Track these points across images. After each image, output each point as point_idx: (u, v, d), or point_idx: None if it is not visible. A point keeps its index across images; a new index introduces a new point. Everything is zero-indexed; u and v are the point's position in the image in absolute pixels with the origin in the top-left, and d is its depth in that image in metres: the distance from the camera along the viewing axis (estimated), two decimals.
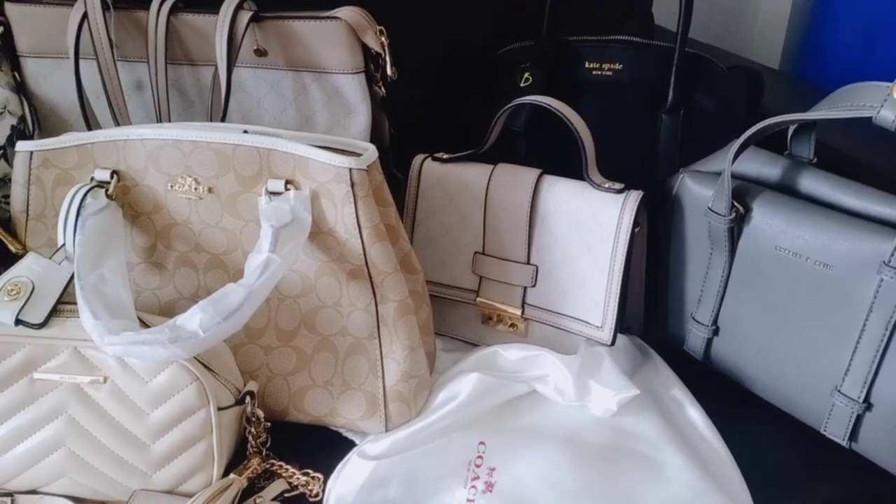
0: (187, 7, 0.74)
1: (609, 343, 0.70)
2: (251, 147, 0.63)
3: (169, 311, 0.68)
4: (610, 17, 1.08)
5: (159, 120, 0.76)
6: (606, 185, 0.69)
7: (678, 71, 0.80)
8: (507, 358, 0.70)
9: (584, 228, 0.70)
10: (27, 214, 0.67)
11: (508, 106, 0.74)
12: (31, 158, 0.66)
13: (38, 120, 0.78)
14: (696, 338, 0.71)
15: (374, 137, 0.80)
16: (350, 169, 0.62)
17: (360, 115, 0.78)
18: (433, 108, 0.93)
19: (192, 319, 0.56)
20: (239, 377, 0.63)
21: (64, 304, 0.60)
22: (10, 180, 0.77)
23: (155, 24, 0.73)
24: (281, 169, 0.63)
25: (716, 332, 0.70)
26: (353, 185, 0.62)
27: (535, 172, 0.72)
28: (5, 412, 0.59)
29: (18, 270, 0.60)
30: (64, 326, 0.59)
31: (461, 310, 0.78)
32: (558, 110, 0.70)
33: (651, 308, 0.76)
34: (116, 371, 0.58)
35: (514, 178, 0.72)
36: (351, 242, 0.64)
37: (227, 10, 0.71)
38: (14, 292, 0.59)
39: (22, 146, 0.66)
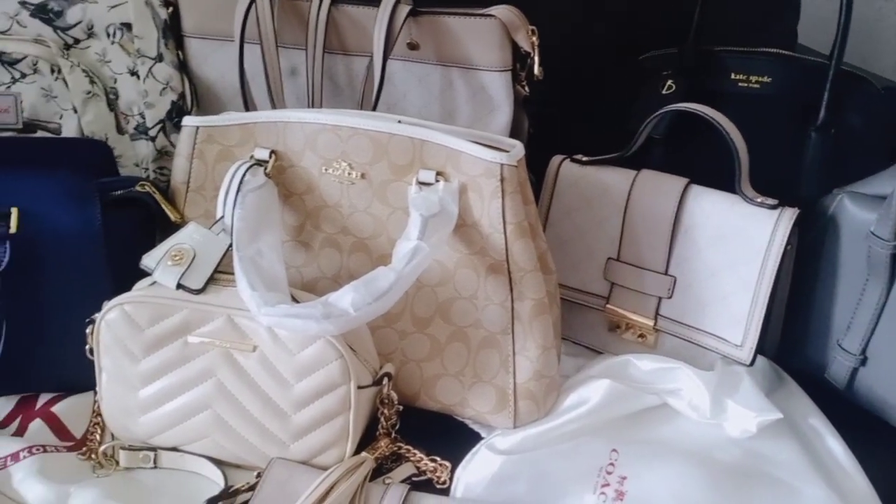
0: None
1: (748, 363, 0.68)
2: (406, 137, 0.65)
3: (311, 288, 0.70)
4: (750, 26, 1.05)
5: (311, 105, 0.78)
6: (759, 200, 0.67)
7: (832, 87, 0.77)
8: (639, 368, 0.69)
9: (731, 242, 0.68)
10: (188, 186, 0.71)
11: (661, 111, 0.73)
12: (196, 133, 0.70)
13: (196, 98, 0.83)
14: (840, 366, 0.68)
15: (513, 136, 0.80)
16: (501, 164, 0.62)
17: (503, 112, 0.79)
18: (567, 109, 0.92)
19: (344, 298, 0.58)
20: (376, 359, 0.65)
21: (220, 273, 0.63)
22: (167, 153, 0.83)
23: (317, 14, 0.76)
24: (433, 160, 0.65)
25: (863, 361, 0.67)
26: (502, 180, 0.62)
27: (681, 181, 0.71)
28: (159, 370, 0.62)
29: (181, 238, 0.64)
30: (220, 294, 0.62)
31: (587, 315, 0.78)
32: (715, 120, 0.68)
33: (789, 330, 0.74)
34: (266, 341, 0.61)
35: (660, 186, 0.71)
36: (494, 237, 0.64)
37: (387, 3, 0.73)
38: (177, 258, 0.62)
39: (189, 121, 0.70)
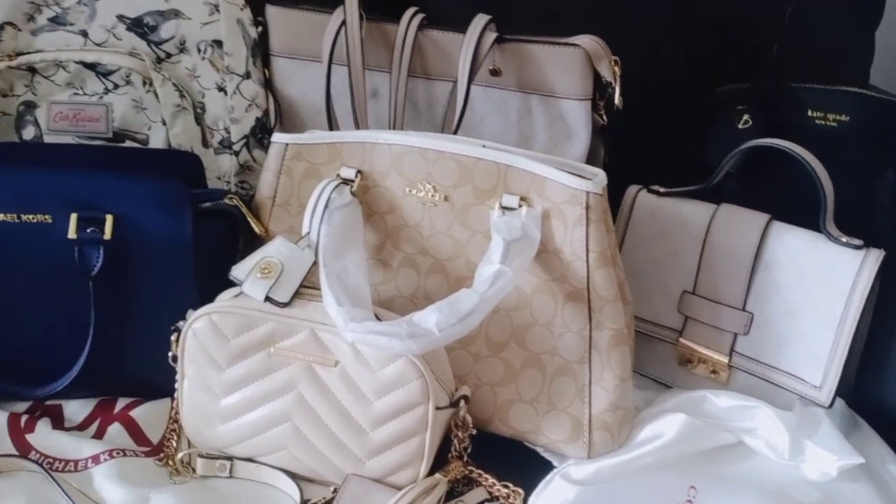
0: (433, 24, 0.79)
1: (827, 405, 0.67)
2: (492, 162, 0.65)
3: (387, 306, 0.71)
4: (822, 61, 1.05)
5: (392, 127, 0.80)
6: (844, 240, 0.66)
7: None
8: (716, 404, 0.68)
9: (813, 281, 0.67)
10: (273, 201, 0.73)
11: (746, 146, 0.73)
12: (285, 150, 0.72)
13: (280, 115, 0.85)
14: None
15: (589, 164, 0.81)
16: (587, 192, 0.63)
17: (580, 140, 0.79)
18: (640, 139, 0.93)
19: (429, 318, 0.58)
20: (452, 380, 0.65)
21: (304, 287, 0.65)
22: (249, 167, 0.85)
23: (403, 37, 0.77)
24: (517, 185, 0.65)
25: None
26: (587, 208, 0.63)
27: (763, 217, 0.70)
28: (242, 380, 0.64)
29: (269, 251, 0.65)
30: (305, 308, 0.63)
31: (658, 348, 0.77)
32: (802, 157, 0.68)
33: (864, 373, 0.72)
34: (348, 357, 0.62)
35: (741, 221, 0.71)
36: (575, 265, 0.64)
37: (474, 30, 0.74)
38: (266, 271, 0.63)
39: (278, 138, 0.72)
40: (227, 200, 0.71)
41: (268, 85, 0.84)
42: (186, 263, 0.68)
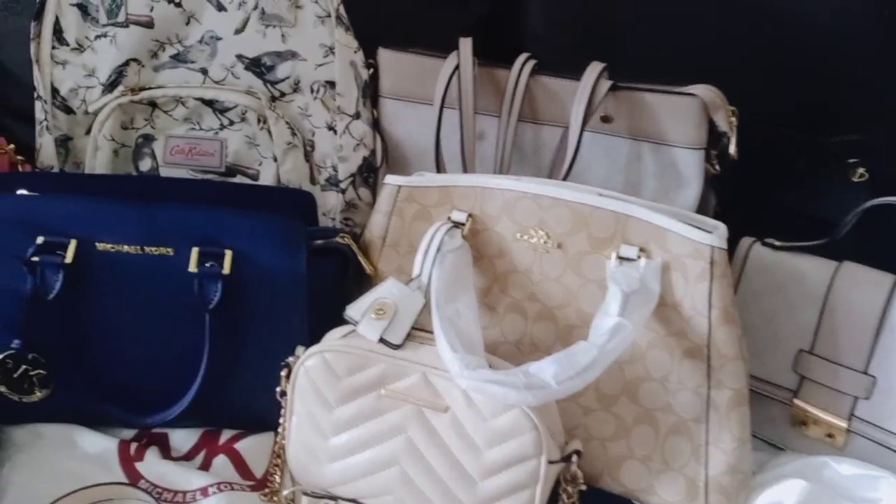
0: (544, 70, 0.79)
1: None
2: (610, 211, 0.65)
3: (491, 351, 0.69)
4: None
5: (498, 171, 0.80)
6: None
7: None
8: (838, 471, 0.65)
9: None
10: (384, 241, 0.73)
11: (874, 202, 0.70)
12: (398, 192, 0.72)
13: (386, 156, 0.86)
14: None
15: (699, 214, 0.79)
16: (712, 247, 0.61)
17: (691, 189, 0.78)
18: (748, 189, 0.90)
19: (546, 370, 0.57)
20: (562, 433, 0.63)
21: (415, 329, 0.65)
22: (354, 205, 0.86)
23: (515, 83, 0.78)
24: (635, 236, 0.64)
25: None
26: (712, 263, 0.61)
27: (890, 278, 0.67)
28: (352, 421, 0.63)
29: (382, 292, 0.65)
30: (417, 351, 0.63)
31: (769, 407, 0.74)
32: None
33: None
34: (460, 403, 0.61)
35: (866, 280, 0.68)
36: (696, 320, 0.62)
37: (589, 77, 0.74)
38: (381, 312, 0.63)
39: (391, 180, 0.73)
40: (339, 239, 0.72)
41: (376, 125, 0.86)
42: (299, 300, 0.68)
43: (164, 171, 0.83)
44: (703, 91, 0.74)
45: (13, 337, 0.66)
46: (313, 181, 0.85)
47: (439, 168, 0.80)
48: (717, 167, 0.78)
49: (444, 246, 0.67)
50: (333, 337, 0.66)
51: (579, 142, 0.74)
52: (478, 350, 0.62)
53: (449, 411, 0.61)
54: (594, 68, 0.75)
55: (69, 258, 0.65)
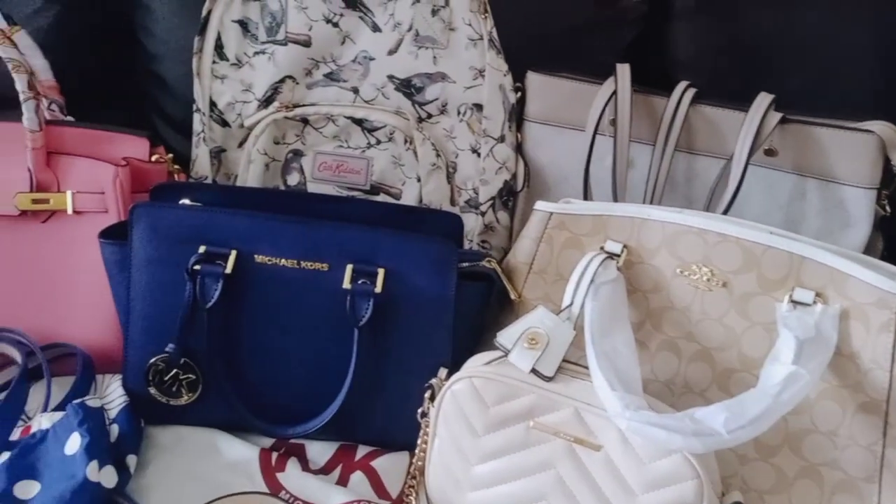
0: (704, 99, 0.76)
1: None
2: (784, 251, 0.61)
3: None
4: None
5: (648, 201, 0.78)
6: None
7: None
8: None
9: None
10: (530, 267, 0.72)
11: None
12: (549, 219, 0.71)
13: (528, 180, 0.85)
14: None
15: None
16: None
17: (859, 231, 0.73)
18: None
19: (716, 417, 0.54)
20: (719, 482, 0.60)
21: (566, 362, 0.63)
22: (491, 228, 0.85)
23: (673, 111, 0.75)
24: (812, 279, 0.60)
25: None
26: None
27: None
28: (498, 451, 0.62)
29: (533, 321, 0.64)
30: (568, 385, 0.61)
31: None
32: None
33: None
34: (615, 443, 0.58)
35: None
36: (875, 374, 0.58)
37: (758, 108, 0.71)
38: (533, 342, 0.62)
39: (543, 206, 0.72)
40: (485, 263, 0.71)
41: (519, 149, 0.85)
42: (446, 322, 0.68)
43: (311, 187, 0.85)
44: (881, 128, 0.70)
45: (168, 341, 0.69)
46: (453, 202, 0.85)
47: (587, 195, 0.78)
48: (888, 209, 0.73)
49: (597, 277, 0.65)
50: (477, 363, 0.65)
51: (743, 176, 0.71)
52: (636, 389, 0.59)
53: (602, 450, 0.59)
54: (763, 100, 0.71)
55: (229, 269, 0.67)
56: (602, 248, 0.68)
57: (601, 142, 0.78)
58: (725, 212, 0.72)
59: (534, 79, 0.83)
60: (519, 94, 0.84)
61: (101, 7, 0.96)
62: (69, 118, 0.83)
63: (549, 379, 0.61)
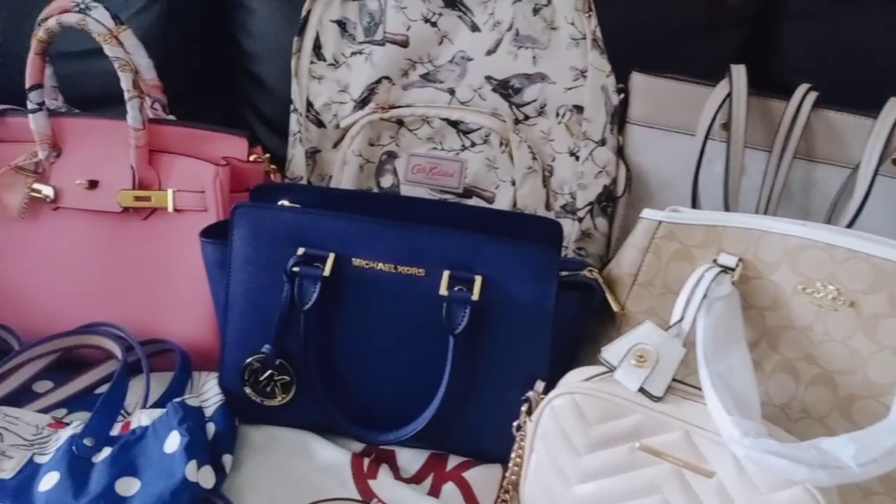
0: (827, 103, 0.71)
1: None
2: None
3: None
4: None
5: (762, 211, 0.73)
6: None
7: None
8: None
9: None
10: (635, 278, 0.69)
11: None
12: (657, 228, 0.68)
13: (629, 185, 0.82)
14: None
15: None
16: None
17: None
18: None
19: (844, 449, 0.50)
20: None
21: (675, 381, 0.59)
22: (589, 234, 0.82)
23: (793, 116, 0.71)
24: None
25: None
26: None
27: None
28: (601, 471, 0.59)
29: (640, 337, 0.60)
30: (679, 406, 0.58)
31: None
32: None
33: None
34: (729, 471, 0.55)
35: None
36: None
37: (888, 115, 0.66)
38: (641, 359, 0.59)
39: (650, 214, 0.68)
40: (586, 272, 0.68)
41: (620, 153, 0.82)
42: (544, 333, 0.65)
43: (404, 189, 0.84)
44: None
45: (264, 342, 0.69)
46: (548, 207, 0.82)
47: (695, 203, 0.74)
48: None
49: (710, 292, 0.61)
50: (577, 378, 0.62)
51: (871, 186, 0.66)
52: (754, 414, 0.55)
53: (714, 477, 0.56)
54: (893, 105, 0.66)
55: (327, 271, 0.66)
56: (715, 261, 0.64)
57: (710, 147, 0.74)
58: (849, 225, 0.67)
59: (638, 80, 0.80)
60: (622, 95, 0.80)
61: (202, 7, 0.98)
62: (171, 117, 0.85)
63: (657, 399, 0.58)
